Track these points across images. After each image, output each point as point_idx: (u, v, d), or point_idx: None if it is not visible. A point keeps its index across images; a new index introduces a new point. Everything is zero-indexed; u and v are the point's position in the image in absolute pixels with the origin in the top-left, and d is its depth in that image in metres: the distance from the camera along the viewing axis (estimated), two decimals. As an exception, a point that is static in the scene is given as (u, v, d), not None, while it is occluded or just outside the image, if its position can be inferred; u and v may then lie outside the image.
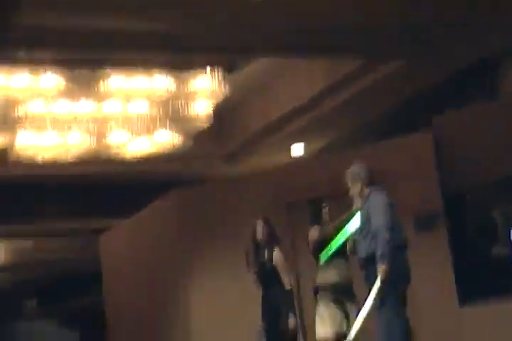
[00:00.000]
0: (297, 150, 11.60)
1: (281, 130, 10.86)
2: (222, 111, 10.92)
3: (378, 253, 6.52)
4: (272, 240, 8.00)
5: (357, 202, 6.91)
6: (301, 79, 10.52)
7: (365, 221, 6.76)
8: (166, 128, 10.73)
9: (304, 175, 9.63)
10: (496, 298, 8.57)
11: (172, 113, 10.48)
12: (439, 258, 8.90)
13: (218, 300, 9.65)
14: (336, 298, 7.58)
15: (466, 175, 9.18)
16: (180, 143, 10.75)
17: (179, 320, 10.03)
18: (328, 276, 7.65)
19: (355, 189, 6.95)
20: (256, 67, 10.72)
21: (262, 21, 8.35)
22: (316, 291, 7.74)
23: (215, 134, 11.24)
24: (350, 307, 7.54)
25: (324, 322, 7.47)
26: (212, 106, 10.64)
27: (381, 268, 6.46)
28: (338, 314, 7.49)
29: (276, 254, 7.92)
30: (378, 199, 6.79)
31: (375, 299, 6.48)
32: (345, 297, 7.63)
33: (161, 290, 10.34)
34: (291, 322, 7.77)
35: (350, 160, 8.20)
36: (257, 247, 8.04)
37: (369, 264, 6.66)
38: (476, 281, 8.87)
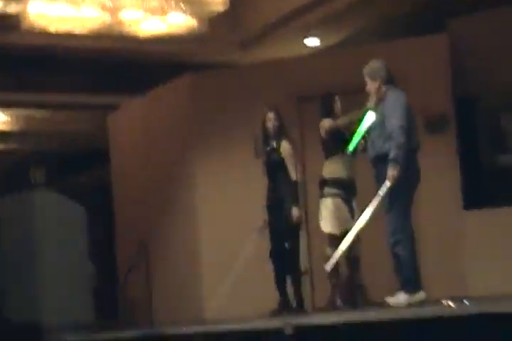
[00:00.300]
0: (312, 43, 11.46)
1: (295, 22, 10.66)
2: None
3: (391, 155, 6.44)
4: (280, 131, 8.08)
5: (372, 100, 6.78)
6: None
7: (381, 120, 6.64)
8: (180, 10, 10.50)
9: (318, 69, 9.62)
10: (499, 205, 8.69)
11: None
12: (446, 162, 9.01)
13: (225, 186, 9.75)
14: (342, 193, 7.59)
15: (480, 79, 9.19)
16: (195, 26, 10.58)
17: (185, 203, 10.19)
18: (337, 170, 7.65)
19: (372, 86, 6.80)
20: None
21: None
22: (323, 185, 7.75)
23: (230, 20, 10.98)
24: (355, 205, 7.62)
25: (331, 215, 7.49)
26: None
27: (392, 172, 6.40)
28: (345, 209, 7.53)
29: (284, 145, 8.01)
30: (396, 99, 6.64)
31: (380, 201, 6.49)
32: (351, 193, 7.69)
33: (169, 172, 10.43)
34: (296, 212, 7.86)
35: (364, 57, 8.21)
36: (266, 137, 8.13)
37: (380, 163, 6.63)
38: (481, 188, 9.05)
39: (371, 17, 10.74)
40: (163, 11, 10.57)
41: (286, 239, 7.92)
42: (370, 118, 6.71)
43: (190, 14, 10.61)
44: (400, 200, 6.55)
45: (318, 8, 10.31)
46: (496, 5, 9.22)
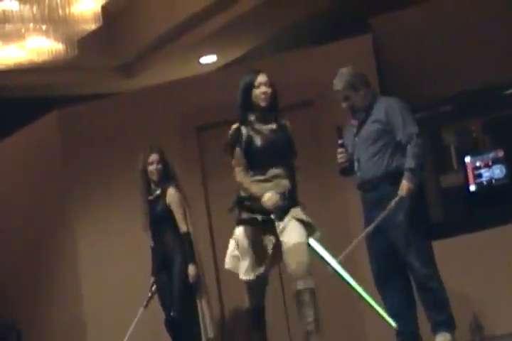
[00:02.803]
0: (208, 60, 10.52)
1: (188, 36, 9.82)
2: (115, 11, 9.86)
3: (411, 165, 5.97)
4: (166, 175, 7.48)
5: (360, 115, 6.23)
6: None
7: (380, 132, 6.15)
8: (41, 33, 9.52)
9: (219, 90, 8.40)
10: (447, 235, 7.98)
11: (49, 12, 9.23)
12: None
13: (110, 246, 8.77)
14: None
15: (414, 91, 8.31)
16: (62, 50, 9.62)
17: (65, 277, 9.15)
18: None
19: (356, 97, 6.20)
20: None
21: None
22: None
23: (105, 40, 10.13)
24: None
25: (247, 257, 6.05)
26: (101, 3, 9.47)
27: (408, 185, 5.94)
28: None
29: (170, 191, 7.39)
30: (401, 106, 6.21)
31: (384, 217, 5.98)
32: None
33: (42, 239, 9.40)
34: (192, 269, 7.24)
35: (278, 70, 7.42)
36: (148, 183, 7.50)
37: (384, 184, 6.10)
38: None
39: (276, 24, 9.94)
40: (20, 36, 9.57)
41: (177, 305, 7.27)
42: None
43: (54, 37, 9.64)
44: (421, 227, 6.14)
45: (213, 19, 9.54)
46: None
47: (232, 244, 5.57)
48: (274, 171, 5.47)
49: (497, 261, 7.66)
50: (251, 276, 5.40)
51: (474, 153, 8.35)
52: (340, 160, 6.19)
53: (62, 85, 10.55)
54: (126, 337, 7.47)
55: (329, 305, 7.51)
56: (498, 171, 8.26)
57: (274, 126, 5.58)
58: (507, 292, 7.49)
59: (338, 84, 6.18)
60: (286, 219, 5.44)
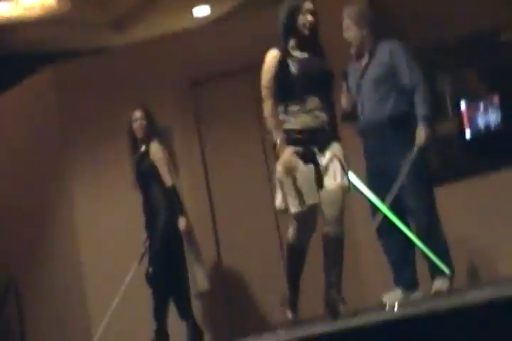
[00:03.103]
0: (202, 12, 10.29)
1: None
2: None
3: (424, 112, 5.97)
4: (150, 131, 7.49)
5: (360, 56, 6.16)
6: None
7: (385, 75, 6.10)
8: None
9: (212, 44, 8.53)
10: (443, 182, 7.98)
11: None
12: None
13: (107, 203, 8.77)
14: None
15: (406, 40, 7.36)
16: (53, 5, 9.42)
17: (62, 219, 9.17)
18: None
19: (355, 33, 6.15)
20: None
21: None
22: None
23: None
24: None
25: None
26: None
27: (427, 132, 5.94)
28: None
29: (154, 147, 7.41)
30: (406, 51, 6.17)
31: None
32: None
33: (37, 195, 9.36)
34: (182, 221, 7.23)
35: (265, 24, 6.85)
36: (134, 140, 7.57)
37: (393, 128, 6.04)
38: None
39: None
40: None
41: (156, 260, 7.32)
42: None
43: None
44: (424, 175, 6.20)
45: None
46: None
47: (277, 183, 5.32)
48: (311, 102, 5.23)
49: (493, 206, 7.70)
50: (302, 207, 5.15)
51: (469, 100, 8.28)
52: (344, 106, 6.04)
53: (54, 40, 10.37)
54: (120, 294, 7.52)
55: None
56: (493, 117, 8.23)
57: (312, 54, 5.35)
58: (505, 236, 7.51)
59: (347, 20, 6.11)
60: (328, 155, 5.25)
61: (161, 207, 7.30)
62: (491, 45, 8.35)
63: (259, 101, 7.86)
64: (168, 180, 7.31)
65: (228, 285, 8.46)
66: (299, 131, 5.18)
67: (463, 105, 8.25)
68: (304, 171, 5.14)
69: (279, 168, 5.21)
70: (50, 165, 9.18)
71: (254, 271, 8.31)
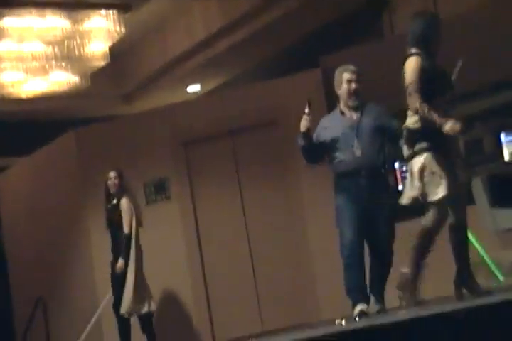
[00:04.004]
0: (193, 89, 11.62)
1: (178, 69, 10.88)
2: (119, 51, 10.84)
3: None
4: (121, 188, 8.45)
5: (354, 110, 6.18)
6: (198, 19, 10.57)
7: (376, 130, 6.13)
8: (61, 68, 10.64)
9: (201, 113, 9.69)
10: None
11: (67, 52, 10.39)
12: (330, 187, 8.06)
13: None
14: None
15: None
16: (77, 82, 10.69)
17: (81, 262, 10.05)
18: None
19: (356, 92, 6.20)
20: (153, 7, 10.70)
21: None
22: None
23: (112, 74, 11.16)
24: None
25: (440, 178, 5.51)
26: (108, 45, 10.56)
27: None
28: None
29: (124, 201, 8.36)
30: (385, 110, 6.27)
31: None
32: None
33: (62, 230, 10.29)
34: (119, 264, 8.21)
35: (244, 98, 8.84)
36: (108, 194, 8.51)
37: (380, 173, 6.12)
38: None
39: (250, 59, 11.09)
40: (44, 71, 10.74)
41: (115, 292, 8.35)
42: None
43: (71, 71, 10.77)
44: (392, 207, 6.18)
45: (197, 55, 10.66)
46: (364, 41, 9.71)
47: (415, 175, 5.33)
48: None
49: None
50: (447, 192, 5.25)
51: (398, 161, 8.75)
52: (303, 128, 6.15)
53: (76, 110, 11.47)
54: (90, 324, 8.50)
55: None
56: None
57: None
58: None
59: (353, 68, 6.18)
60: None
61: (121, 249, 8.28)
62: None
63: (238, 160, 8.97)
64: (126, 228, 8.24)
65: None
66: None
67: (396, 164, 8.77)
68: (444, 163, 5.33)
69: (422, 159, 5.32)
70: (71, 212, 9.98)
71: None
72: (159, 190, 9.62)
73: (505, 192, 7.93)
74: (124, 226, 8.26)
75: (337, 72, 6.33)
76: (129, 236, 8.25)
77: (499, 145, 8.59)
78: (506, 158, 8.28)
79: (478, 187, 7.90)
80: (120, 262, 8.21)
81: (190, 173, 9.57)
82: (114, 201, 8.38)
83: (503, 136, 8.61)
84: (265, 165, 9.40)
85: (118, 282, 8.32)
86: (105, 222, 8.45)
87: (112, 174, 8.45)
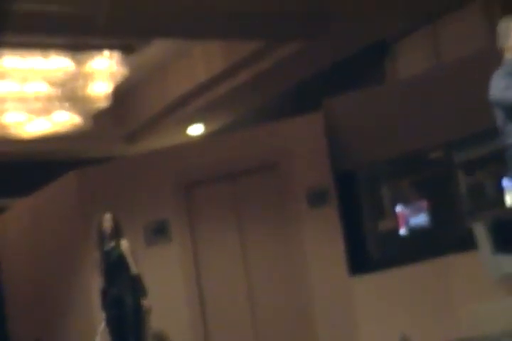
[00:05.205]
0: (195, 131, 11.70)
1: (180, 111, 10.97)
2: (122, 92, 10.91)
3: None
4: (118, 230, 8.35)
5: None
6: (200, 61, 10.64)
7: None
8: (64, 109, 10.65)
9: (203, 155, 9.76)
10: (383, 269, 9.06)
11: (70, 93, 10.43)
12: (330, 231, 9.29)
13: None
14: None
15: (356, 154, 9.58)
16: (80, 123, 10.70)
17: (80, 304, 10.05)
18: None
19: None
20: (155, 49, 10.76)
21: (160, 3, 8.43)
22: None
23: (115, 115, 11.21)
24: None
25: None
26: (111, 87, 10.59)
27: None
28: None
29: (124, 242, 8.28)
30: None
31: None
32: None
33: (62, 271, 10.31)
34: (146, 303, 8.11)
35: (246, 140, 8.98)
36: (103, 237, 8.33)
37: None
38: (365, 253, 9.37)
39: (252, 102, 11.20)
40: (47, 111, 10.73)
41: (134, 332, 8.15)
42: None
43: (74, 112, 10.78)
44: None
45: (199, 97, 10.74)
46: (366, 85, 9.81)
47: None
48: None
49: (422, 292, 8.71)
50: None
51: (403, 204, 9.39)
52: None
53: (78, 150, 11.51)
54: None
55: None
56: (423, 217, 9.24)
57: None
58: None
59: None
60: None
61: (127, 291, 8.11)
62: (422, 161, 9.55)
63: (239, 203, 8.98)
64: (134, 268, 8.19)
65: None
66: None
67: (398, 208, 9.47)
68: None
69: None
70: (71, 253, 9.96)
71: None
72: (160, 232, 9.63)
73: (508, 238, 7.96)
74: (132, 267, 8.18)
75: (504, 24, 5.30)
76: (140, 275, 8.19)
77: (501, 190, 8.67)
78: (508, 203, 8.27)
79: (481, 233, 7.96)
80: (146, 302, 8.12)
81: (190, 216, 9.63)
82: (112, 243, 8.30)
83: (504, 181, 8.64)
84: (266, 208, 9.49)
85: (137, 326, 8.21)
86: (101, 266, 8.31)
87: (108, 216, 8.37)
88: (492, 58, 8.06)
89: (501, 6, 9.03)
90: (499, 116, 4.98)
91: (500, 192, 8.66)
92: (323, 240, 9.08)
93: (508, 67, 5.11)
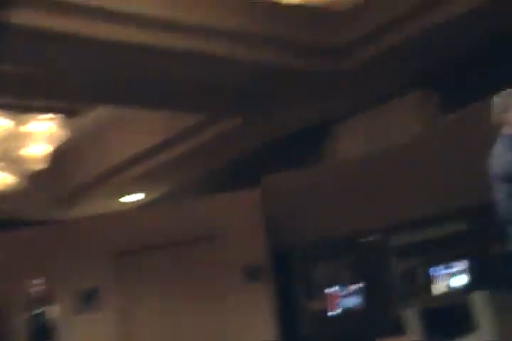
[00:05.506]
0: (131, 199, 11.60)
1: (117, 177, 10.84)
2: (61, 154, 10.78)
3: None
4: (47, 298, 8.32)
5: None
6: (142, 129, 10.58)
7: None
8: None
9: (135, 224, 9.74)
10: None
11: (6, 153, 10.21)
12: (264, 307, 9.28)
13: None
14: None
15: (293, 233, 9.66)
16: (14, 183, 10.49)
17: None
18: None
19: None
20: (98, 114, 10.69)
21: (105, 73, 8.41)
22: None
23: (52, 177, 11.02)
24: None
25: None
26: (50, 148, 10.43)
27: None
28: None
29: (53, 308, 8.27)
30: None
31: None
32: None
33: None
34: None
35: (183, 211, 9.08)
36: (31, 302, 8.32)
37: None
38: (296, 332, 9.40)
39: (191, 172, 11.11)
40: None
41: None
42: None
43: (8, 172, 10.55)
44: None
45: (138, 165, 10.61)
46: (306, 163, 9.93)
47: None
48: None
49: None
50: None
51: (336, 285, 9.51)
52: None
53: (12, 211, 11.21)
54: None
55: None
56: (355, 300, 9.38)
57: None
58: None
59: None
60: None
61: None
62: (357, 243, 9.69)
63: (171, 273, 8.83)
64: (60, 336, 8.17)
65: None
66: None
67: (331, 289, 9.54)
68: None
69: None
70: None
71: None
72: (89, 299, 9.58)
73: (437, 325, 7.98)
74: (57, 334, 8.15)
75: (501, 99, 5.05)
76: None
77: (429, 278, 8.79)
78: (434, 292, 8.41)
79: (412, 319, 7.98)
80: None
81: (121, 284, 9.56)
82: (39, 310, 8.22)
83: (431, 270, 8.81)
84: (199, 280, 9.39)
85: None
86: (28, 331, 8.25)
87: (38, 281, 8.33)
88: (425, 146, 8.64)
89: (437, 101, 9.22)
90: (502, 191, 4.77)
91: (429, 280, 8.77)
92: (255, 316, 9.05)
93: (509, 141, 4.95)
